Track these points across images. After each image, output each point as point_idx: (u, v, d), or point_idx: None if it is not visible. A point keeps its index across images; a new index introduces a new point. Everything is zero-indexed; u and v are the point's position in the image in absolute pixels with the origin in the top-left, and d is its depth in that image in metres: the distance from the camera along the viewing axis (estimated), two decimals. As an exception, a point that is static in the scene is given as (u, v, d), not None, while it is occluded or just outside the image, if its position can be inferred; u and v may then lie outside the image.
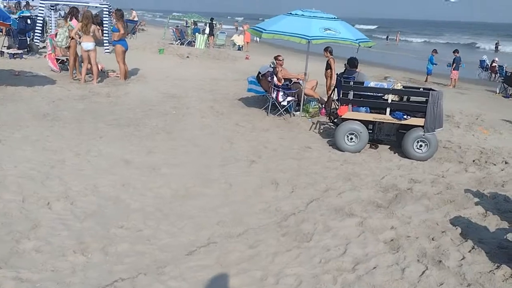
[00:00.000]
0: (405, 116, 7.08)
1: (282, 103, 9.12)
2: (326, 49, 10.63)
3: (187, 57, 18.37)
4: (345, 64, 9.29)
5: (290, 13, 9.16)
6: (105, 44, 15.60)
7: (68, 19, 11.33)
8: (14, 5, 23.42)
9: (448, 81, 17.29)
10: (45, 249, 3.71)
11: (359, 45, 8.79)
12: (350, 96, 7.29)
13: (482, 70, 21.71)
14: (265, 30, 8.91)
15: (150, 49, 19.39)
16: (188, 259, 3.81)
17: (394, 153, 7.36)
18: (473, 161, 7.18)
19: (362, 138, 7.18)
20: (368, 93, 7.52)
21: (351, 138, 7.20)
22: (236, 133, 7.84)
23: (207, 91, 11.49)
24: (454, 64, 16.84)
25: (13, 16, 15.69)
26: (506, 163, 7.12)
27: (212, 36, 25.62)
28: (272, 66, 9.61)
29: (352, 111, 7.31)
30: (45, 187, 4.93)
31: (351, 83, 7.60)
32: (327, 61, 10.63)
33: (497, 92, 16.24)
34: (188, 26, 29.06)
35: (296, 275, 3.68)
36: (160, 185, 5.35)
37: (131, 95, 10.10)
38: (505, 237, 4.51)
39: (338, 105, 7.74)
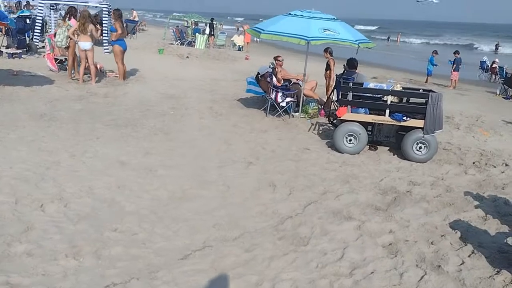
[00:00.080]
0: (404, 118, 7.02)
1: (281, 104, 9.06)
2: (326, 50, 10.58)
3: (187, 57, 18.32)
4: (344, 65, 9.22)
5: (289, 14, 9.09)
6: (104, 44, 15.55)
7: (67, 18, 11.28)
8: (14, 5, 23.40)
9: (448, 82, 17.24)
10: (36, 253, 3.65)
11: (359, 46, 8.73)
12: (349, 97, 7.23)
13: (483, 71, 21.67)
14: (263, 30, 8.85)
15: (150, 49, 19.35)
16: (182, 263, 3.74)
17: (394, 155, 7.30)
18: (473, 163, 7.12)
19: (361, 139, 7.12)
20: (368, 94, 7.46)
21: (350, 140, 7.14)
22: (234, 134, 7.78)
23: (206, 91, 11.43)
24: (455, 65, 16.80)
25: (13, 16, 15.74)
26: (506, 165, 7.06)
27: (213, 37, 25.58)
28: (272, 66, 9.56)
29: (351, 112, 7.25)
30: (39, 188, 4.87)
31: (350, 84, 7.54)
32: (327, 62, 10.58)
33: (498, 93, 16.19)
34: (188, 27, 29.01)
35: (292, 280, 3.62)
36: (156, 187, 5.29)
37: (129, 95, 10.04)
38: (505, 241, 4.45)
39: (337, 106, 7.68)
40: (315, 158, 6.88)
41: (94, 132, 7.13)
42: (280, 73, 9.45)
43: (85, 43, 10.32)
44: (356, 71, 9.05)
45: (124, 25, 13.16)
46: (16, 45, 13.97)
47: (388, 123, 7.17)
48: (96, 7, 18.21)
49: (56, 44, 11.15)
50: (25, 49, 14.07)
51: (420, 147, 6.98)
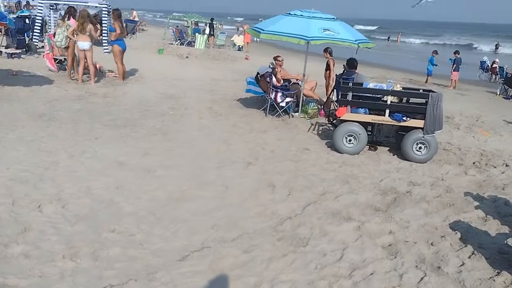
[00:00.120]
0: (404, 118, 6.99)
1: (280, 104, 9.04)
2: (325, 50, 10.56)
3: (187, 57, 18.29)
4: (344, 65, 9.20)
5: (289, 13, 9.07)
6: (104, 44, 15.52)
7: (66, 18, 11.26)
8: (14, 5, 23.36)
9: (448, 82, 17.21)
10: (33, 254, 3.63)
11: (358, 46, 8.70)
12: (349, 97, 7.20)
13: (483, 71, 21.65)
14: (263, 30, 8.83)
15: (150, 49, 19.32)
16: (181, 264, 3.72)
17: (393, 155, 7.27)
18: (473, 163, 7.09)
19: (361, 139, 7.09)
20: (367, 94, 7.43)
21: (350, 140, 7.11)
22: (234, 134, 7.76)
23: (206, 91, 11.41)
24: (455, 65, 16.78)
25: (12, 16, 15.71)
26: (506, 165, 7.03)
27: (212, 36, 25.56)
28: (271, 66, 9.54)
29: (351, 112, 7.22)
30: (37, 189, 4.84)
31: (350, 84, 7.51)
32: (327, 62, 10.56)
33: (498, 93, 16.16)
34: (188, 27, 28.99)
35: (291, 282, 3.59)
36: (155, 187, 5.26)
37: (128, 95, 10.02)
38: (505, 242, 4.43)
39: (337, 106, 7.65)
40: (314, 158, 6.85)
41: (93, 132, 7.11)
42: (280, 73, 9.43)
43: (83, 43, 10.30)
44: (356, 71, 9.03)
45: (124, 25, 13.15)
46: (15, 45, 13.96)
47: (388, 123, 7.15)
48: (96, 7, 18.16)
49: (56, 44, 11.13)
50: (24, 49, 14.05)
51: (420, 147, 6.96)
